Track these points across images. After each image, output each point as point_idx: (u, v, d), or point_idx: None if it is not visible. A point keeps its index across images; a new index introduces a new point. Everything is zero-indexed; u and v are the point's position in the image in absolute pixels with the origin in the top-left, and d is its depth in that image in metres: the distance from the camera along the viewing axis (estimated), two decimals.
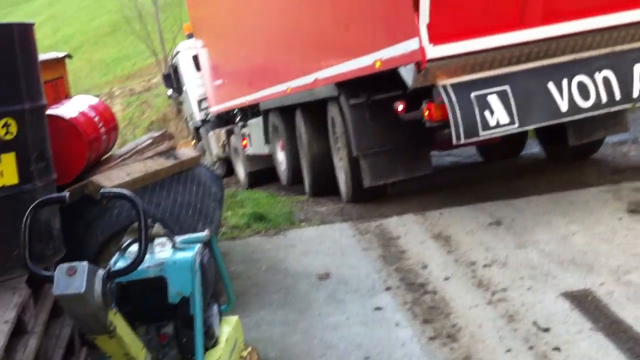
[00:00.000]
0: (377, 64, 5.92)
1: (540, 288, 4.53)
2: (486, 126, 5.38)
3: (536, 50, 5.55)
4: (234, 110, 12.63)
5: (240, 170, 13.02)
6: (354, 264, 5.49)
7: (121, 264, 2.96)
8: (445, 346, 3.96)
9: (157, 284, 3.09)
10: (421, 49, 5.21)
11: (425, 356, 3.87)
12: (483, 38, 5.42)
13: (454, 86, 5.39)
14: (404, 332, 4.18)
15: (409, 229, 6.13)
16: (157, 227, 3.46)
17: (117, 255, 3.17)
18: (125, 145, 6.31)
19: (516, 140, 8.67)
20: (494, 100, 5.41)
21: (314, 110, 8.25)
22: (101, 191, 2.77)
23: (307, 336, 4.32)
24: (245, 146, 12.18)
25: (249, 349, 3.88)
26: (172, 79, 15.94)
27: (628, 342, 3.68)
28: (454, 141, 5.38)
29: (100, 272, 2.48)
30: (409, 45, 5.36)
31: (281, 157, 10.24)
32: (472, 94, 5.38)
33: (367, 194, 7.39)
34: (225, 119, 13.49)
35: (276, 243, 6.35)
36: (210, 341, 3.26)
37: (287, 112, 9.31)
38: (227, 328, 3.57)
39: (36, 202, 2.75)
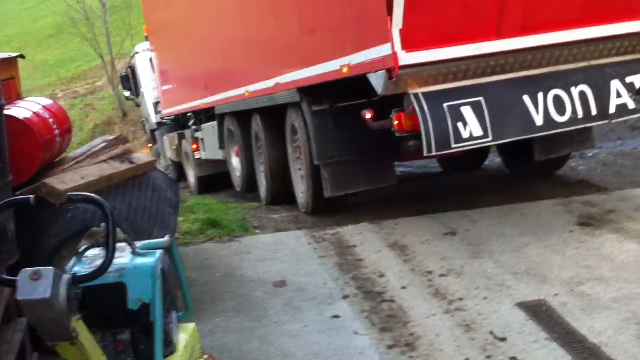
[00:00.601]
0: (345, 70, 5.69)
1: (496, 298, 4.59)
2: (459, 138, 5.15)
3: (512, 61, 5.38)
4: (188, 113, 12.45)
5: (191, 175, 12.87)
6: (310, 271, 5.48)
7: (79, 269, 2.88)
8: (404, 355, 3.97)
9: (116, 290, 3.01)
10: (393, 55, 4.96)
11: None
12: (458, 47, 5.20)
13: (426, 95, 5.15)
14: (363, 341, 4.18)
15: (365, 238, 6.15)
16: (117, 232, 3.39)
17: (74, 260, 3.08)
18: (79, 148, 6.16)
19: (479, 153, 8.58)
20: (467, 112, 5.19)
21: (273, 116, 8.03)
22: (68, 194, 2.70)
23: (264, 344, 4.28)
24: (195, 150, 12.02)
25: (206, 356, 3.83)
26: (130, 80, 15.73)
27: (583, 353, 3.75)
28: (425, 153, 5.16)
29: (66, 278, 2.41)
30: (381, 51, 5.12)
31: (236, 163, 10.04)
32: (445, 105, 5.15)
33: (328, 205, 7.15)
34: (182, 123, 13.35)
35: (231, 250, 6.28)
36: (168, 349, 3.20)
37: (244, 117, 9.10)
38: (185, 335, 3.52)
39: (2, 203, 2.66)
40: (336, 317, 4.56)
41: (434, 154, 5.20)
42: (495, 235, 5.82)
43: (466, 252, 5.51)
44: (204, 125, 11.55)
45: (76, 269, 2.91)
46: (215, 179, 12.05)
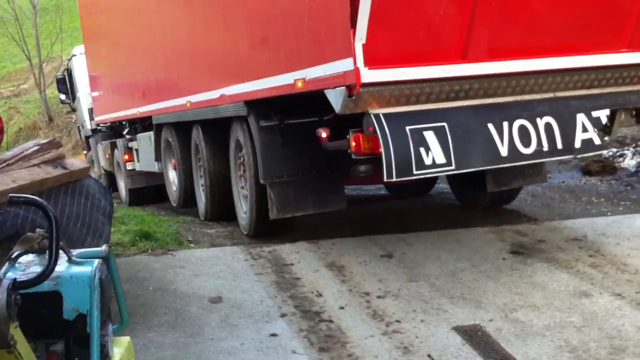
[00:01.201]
0: (299, 84, 5.26)
1: (433, 321, 4.63)
2: (421, 165, 4.79)
3: (477, 87, 5.08)
4: (122, 121, 12.01)
5: (122, 187, 12.48)
6: (247, 288, 5.39)
7: (12, 275, 2.74)
8: None
9: (51, 299, 2.88)
10: (355, 71, 4.55)
11: None
12: (423, 67, 4.85)
13: (388, 117, 4.76)
14: None
15: (302, 256, 6.11)
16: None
17: (7, 265, 2.93)
18: (9, 150, 5.90)
19: (428, 180, 8.35)
20: (430, 137, 4.83)
21: (216, 129, 7.70)
22: (10, 195, 2.56)
23: None
24: (127, 161, 11.66)
25: None
26: (66, 83, 15.11)
27: None
28: (384, 178, 4.72)
29: (5, 283, 2.28)
30: (341, 66, 4.71)
31: (173, 176, 9.66)
32: (408, 128, 4.77)
33: (272, 227, 6.79)
34: (118, 131, 12.84)
35: (164, 263, 6.12)
36: None
37: (183, 128, 8.73)
38: (119, 349, 3.40)
39: None
40: (274, 335, 4.49)
41: (393, 179, 4.76)
42: (431, 259, 5.89)
43: (403, 275, 5.54)
44: (139, 135, 11.08)
45: (9, 275, 2.77)
46: (147, 192, 11.69)
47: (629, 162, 9.69)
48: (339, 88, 4.72)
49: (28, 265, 2.95)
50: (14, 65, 30.11)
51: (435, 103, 4.97)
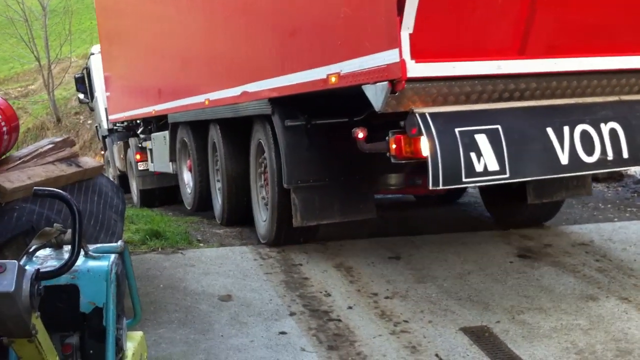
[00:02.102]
0: (333, 79, 4.73)
1: (440, 322, 4.67)
2: (471, 172, 4.22)
3: (534, 86, 4.53)
4: (137, 121, 11.69)
5: (133, 187, 12.20)
6: (256, 287, 5.44)
7: (29, 268, 2.81)
8: None
9: (68, 292, 2.95)
10: (401, 64, 4.00)
11: None
12: (475, 62, 4.31)
13: (435, 117, 4.22)
14: (310, 358, 4.18)
15: (311, 257, 6.16)
16: (69, 234, 3.31)
17: (24, 259, 3.00)
18: (24, 147, 5.98)
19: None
20: (482, 141, 4.27)
21: (236, 128, 7.28)
22: (34, 188, 2.62)
23: (210, 356, 4.22)
24: (139, 161, 11.42)
25: None
26: (85, 82, 14.73)
27: None
28: (430, 186, 4.17)
29: (29, 273, 2.34)
30: (384, 58, 4.16)
31: (187, 178, 9.27)
32: (457, 130, 4.23)
33: (294, 235, 6.33)
34: (135, 130, 12.41)
35: (174, 261, 6.18)
36: (118, 355, 3.13)
37: (200, 128, 8.34)
38: (132, 343, 3.46)
39: None
40: (283, 333, 4.55)
41: (439, 188, 4.20)
42: (438, 262, 5.94)
43: (410, 276, 5.59)
44: (153, 135, 10.71)
45: (27, 268, 2.84)
46: (158, 194, 11.45)
47: (636, 170, 9.72)
48: (381, 83, 4.20)
49: (45, 259, 3.01)
50: (22, 66, 30.28)
51: (487, 103, 4.46)
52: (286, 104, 5.81)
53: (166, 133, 9.73)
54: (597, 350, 4.17)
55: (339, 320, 4.73)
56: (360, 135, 4.94)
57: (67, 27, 26.13)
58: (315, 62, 5.01)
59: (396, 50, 4.04)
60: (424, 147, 4.15)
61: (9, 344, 2.43)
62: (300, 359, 4.16)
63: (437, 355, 4.17)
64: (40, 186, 5.25)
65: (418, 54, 4.07)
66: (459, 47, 4.28)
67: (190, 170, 9.06)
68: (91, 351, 2.97)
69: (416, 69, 4.08)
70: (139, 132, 11.64)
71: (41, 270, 2.45)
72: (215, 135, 7.78)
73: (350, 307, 4.96)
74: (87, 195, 5.35)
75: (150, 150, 10.95)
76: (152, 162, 10.95)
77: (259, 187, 6.91)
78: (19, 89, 29.88)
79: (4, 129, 5.05)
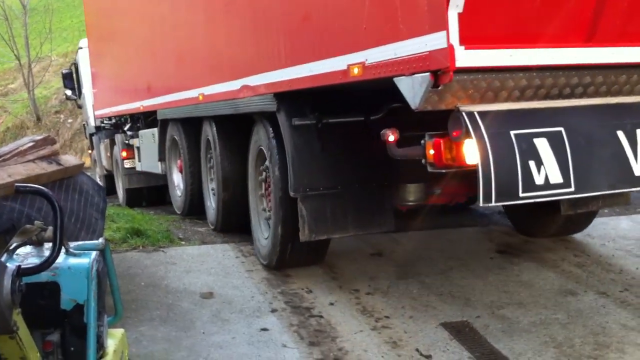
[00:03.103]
0: (355, 71, 3.94)
1: (421, 317, 4.71)
2: (530, 185, 3.48)
3: (600, 80, 3.75)
4: (124, 117, 11.15)
5: (119, 186, 11.75)
6: (238, 284, 5.45)
7: (10, 265, 2.81)
8: None
9: (49, 289, 2.94)
10: (448, 51, 3.21)
11: None
12: (533, 49, 3.49)
13: (485, 116, 3.45)
14: (291, 354, 4.20)
15: None
16: (50, 232, 3.31)
17: (5, 256, 2.99)
18: (4, 146, 5.94)
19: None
20: (543, 147, 3.52)
21: (234, 126, 6.63)
22: (16, 185, 2.62)
23: (192, 353, 4.23)
24: (125, 158, 10.92)
25: None
26: (73, 78, 14.09)
27: None
28: (481, 202, 3.41)
29: (10, 269, 2.34)
30: (425, 44, 3.34)
31: (178, 179, 8.70)
32: (513, 133, 3.46)
33: (301, 255, 5.54)
34: (122, 127, 11.76)
35: (155, 259, 6.17)
36: (99, 352, 3.14)
37: (192, 124, 7.76)
38: (113, 340, 3.46)
39: None
40: (265, 329, 4.56)
41: (492, 204, 3.46)
42: (420, 258, 5.98)
43: (392, 273, 5.62)
44: (141, 132, 10.10)
45: (8, 265, 2.83)
46: (147, 193, 11.01)
47: None
48: (420, 75, 3.39)
49: (26, 256, 3.01)
50: (2, 65, 30.03)
51: (544, 100, 3.68)
52: (294, 99, 5.05)
53: (155, 130, 9.17)
54: (576, 343, 4.22)
55: (321, 317, 4.75)
56: (391, 138, 4.10)
57: (47, 25, 25.96)
58: (332, 50, 4.20)
59: (442, 34, 3.24)
60: (472, 153, 3.42)
61: None
62: (282, 355, 4.17)
63: (417, 350, 4.20)
64: (27, 184, 5.24)
65: (468, 39, 3.26)
66: (517, 31, 3.46)
67: (180, 170, 8.51)
68: (72, 348, 2.97)
69: (466, 57, 3.27)
70: (126, 128, 11.09)
71: (22, 266, 2.45)
72: (210, 133, 7.18)
73: (331, 304, 4.99)
74: (68, 193, 5.32)
75: (138, 148, 10.39)
76: (139, 160, 10.43)
77: (259, 197, 6.09)
78: None
79: None
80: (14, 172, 4.97)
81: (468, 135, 3.41)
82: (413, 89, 3.47)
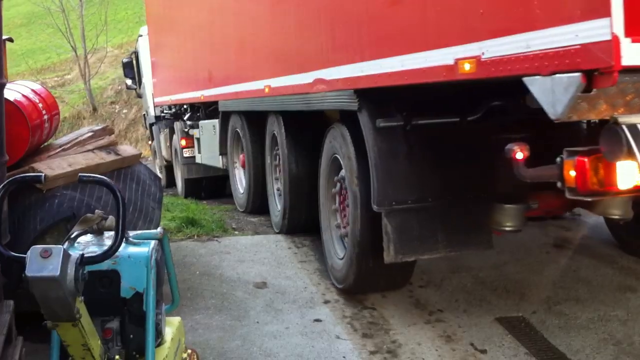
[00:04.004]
0: (467, 67, 3.17)
1: (476, 312, 4.66)
2: None
3: None
4: (184, 106, 10.72)
5: (178, 176, 11.38)
6: (290, 275, 5.49)
7: (74, 254, 2.87)
8: None
9: (109, 277, 3.00)
10: (613, 44, 2.44)
11: None
12: None
13: None
14: (345, 345, 4.21)
15: None
16: (110, 220, 3.38)
17: (66, 244, 3.06)
18: (65, 135, 6.09)
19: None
20: None
21: (305, 124, 6.12)
22: (80, 174, 2.68)
23: (246, 343, 4.28)
24: (184, 147, 10.55)
25: (189, 351, 3.83)
26: (133, 67, 13.67)
27: None
28: None
29: (74, 257, 2.39)
30: (576, 34, 2.57)
31: (240, 175, 8.26)
32: None
33: (382, 276, 4.79)
34: (182, 117, 11.24)
35: (210, 249, 6.26)
36: (157, 339, 3.19)
37: (257, 118, 7.23)
38: (171, 328, 3.52)
39: (11, 179, 2.64)
40: (318, 320, 4.58)
41: None
42: (474, 253, 5.89)
43: (445, 267, 5.56)
44: (202, 122, 9.62)
45: (72, 253, 2.90)
46: (206, 184, 10.63)
47: None
48: (566, 75, 2.63)
49: (87, 245, 3.08)
50: (59, 56, 30.74)
51: None
52: (378, 97, 4.38)
53: (216, 122, 8.69)
54: (635, 341, 4.12)
55: (374, 309, 4.75)
56: (519, 155, 3.34)
57: (103, 17, 26.43)
58: (433, 40, 3.44)
59: (603, 23, 2.48)
60: (629, 176, 2.87)
61: (53, 327, 2.49)
62: (336, 347, 4.19)
63: (472, 344, 4.17)
64: (89, 174, 5.38)
65: (635, 29, 2.48)
66: None
67: (243, 166, 8.00)
68: (131, 336, 3.03)
69: (634, 53, 2.49)
70: (185, 118, 10.66)
71: (85, 255, 2.50)
72: (276, 129, 6.64)
73: (384, 296, 4.97)
74: (125, 183, 5.44)
75: (198, 139, 9.95)
76: (199, 152, 10.02)
77: (332, 212, 5.40)
78: (56, 78, 30.37)
79: (45, 117, 5.16)
80: (74, 161, 5.10)
81: (630, 154, 2.74)
82: (553, 94, 2.72)
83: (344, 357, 4.06)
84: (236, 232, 6.96)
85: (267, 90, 6.25)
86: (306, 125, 6.18)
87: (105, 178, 2.75)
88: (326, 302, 4.91)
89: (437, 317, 4.59)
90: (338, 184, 5.23)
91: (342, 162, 4.99)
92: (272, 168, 7.10)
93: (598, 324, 4.38)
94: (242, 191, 8.17)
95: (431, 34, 3.48)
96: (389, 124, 4.29)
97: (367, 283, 4.89)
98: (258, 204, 7.67)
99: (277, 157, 6.80)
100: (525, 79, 2.84)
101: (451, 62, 3.27)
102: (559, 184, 3.20)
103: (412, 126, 4.22)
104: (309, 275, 5.47)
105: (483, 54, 3.06)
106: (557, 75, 2.68)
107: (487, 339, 4.23)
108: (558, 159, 3.17)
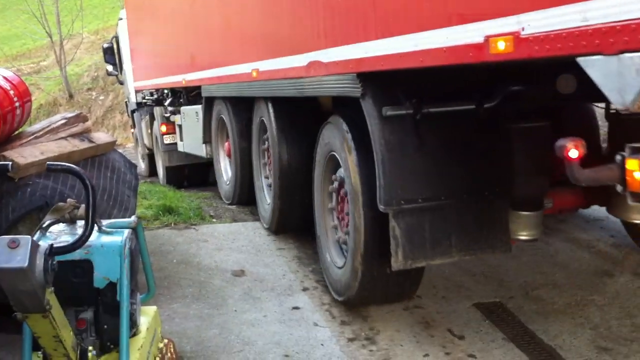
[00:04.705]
0: (501, 46, 2.60)
1: (454, 297, 4.66)
2: None
3: None
4: (164, 90, 10.21)
5: (159, 164, 11.02)
6: (269, 262, 5.45)
7: (43, 244, 2.81)
8: (365, 348, 4.00)
9: (82, 267, 2.95)
10: None
11: (345, 356, 3.89)
12: None
13: None
14: (323, 332, 4.19)
15: None
16: (83, 209, 3.32)
17: (38, 234, 3.01)
18: (37, 123, 5.98)
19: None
20: None
21: (298, 111, 5.66)
22: (47, 163, 2.62)
23: (223, 331, 4.24)
24: (164, 133, 10.09)
25: (166, 341, 3.79)
26: (114, 52, 13.13)
27: (539, 354, 3.85)
28: None
29: (43, 248, 2.33)
30: None
31: (225, 165, 7.84)
32: None
33: (388, 285, 4.27)
34: (163, 102, 10.69)
35: (187, 237, 6.19)
36: (132, 330, 3.15)
37: (244, 104, 6.76)
38: (146, 318, 3.47)
39: None
40: (296, 308, 4.56)
41: None
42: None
43: None
44: (184, 108, 9.11)
45: (42, 243, 2.84)
46: (189, 173, 10.25)
47: None
48: (638, 55, 2.10)
49: (59, 234, 3.02)
50: (34, 42, 30.32)
51: None
52: (384, 82, 3.83)
53: (199, 108, 8.19)
54: (612, 325, 4.14)
55: None
56: (574, 153, 2.83)
57: (78, 2, 26.07)
58: (456, 14, 2.88)
59: None
60: None
61: (23, 319, 2.44)
62: (314, 334, 4.17)
63: (449, 330, 4.17)
64: (53, 161, 5.27)
65: None
66: None
67: (229, 155, 7.55)
68: (105, 326, 2.99)
69: None
70: (166, 103, 10.14)
71: (55, 245, 2.45)
72: (265, 116, 6.05)
73: None
74: (100, 171, 5.35)
75: (180, 126, 9.47)
76: (181, 140, 9.58)
77: (328, 212, 4.90)
78: (31, 65, 29.95)
79: (17, 104, 5.05)
80: (46, 149, 5.00)
81: None
82: (620, 77, 2.17)
83: (322, 344, 4.04)
84: (214, 220, 6.90)
85: (254, 74, 5.70)
86: (299, 113, 5.70)
87: (74, 166, 2.69)
88: (305, 289, 4.88)
89: (415, 303, 4.58)
90: (335, 182, 4.74)
91: (340, 161, 4.45)
92: (260, 159, 6.63)
93: (575, 309, 4.40)
94: (227, 182, 7.78)
95: (454, 7, 2.90)
96: (397, 112, 3.74)
97: (372, 294, 4.32)
98: (245, 196, 7.26)
99: (267, 147, 6.28)
100: (581, 60, 2.29)
101: (481, 40, 2.72)
102: (618, 188, 2.73)
103: (422, 115, 3.69)
104: (287, 262, 5.44)
105: (523, 29, 2.51)
106: (627, 54, 2.13)
107: (466, 325, 4.23)
108: (618, 157, 2.68)
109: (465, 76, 3.58)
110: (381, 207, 3.77)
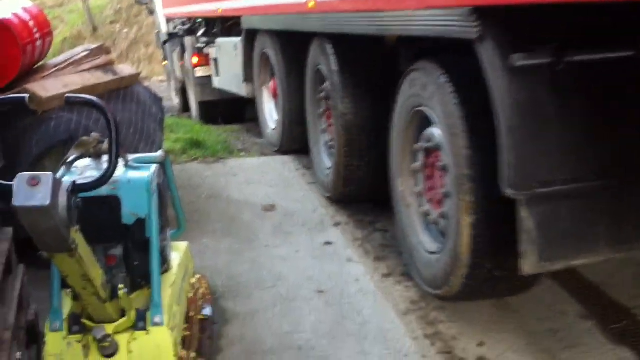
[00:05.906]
0: None
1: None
2: None
3: None
4: (196, 20, 9.22)
5: (191, 99, 10.26)
6: (299, 197, 5.33)
7: (69, 179, 2.69)
8: (400, 284, 3.88)
9: (109, 203, 2.85)
10: None
11: (379, 292, 3.79)
12: None
13: None
14: (357, 268, 4.09)
15: None
16: (107, 144, 3.20)
17: (63, 169, 2.91)
18: (59, 55, 5.83)
19: None
20: None
21: (368, 57, 4.56)
22: (66, 95, 2.47)
23: (255, 266, 4.16)
24: (196, 65, 9.09)
25: (198, 276, 3.74)
26: None
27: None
28: None
29: (66, 185, 2.20)
30: None
31: (270, 108, 6.74)
32: None
33: (496, 284, 3.29)
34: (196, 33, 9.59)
35: (216, 171, 6.09)
36: (163, 266, 3.07)
37: (295, 40, 5.52)
38: (178, 254, 3.40)
39: None
40: (328, 243, 4.45)
41: None
42: None
43: None
44: (219, 40, 7.94)
45: (66, 179, 2.72)
46: (223, 109, 9.26)
47: None
48: None
49: (84, 169, 2.91)
50: None
51: None
52: (512, 19, 2.73)
53: (238, 41, 7.00)
54: None
55: (386, 231, 4.60)
56: None
57: None
58: None
59: None
60: None
61: (48, 259, 2.34)
62: (347, 270, 4.06)
63: None
64: (78, 94, 5.14)
65: None
66: None
67: (274, 96, 6.54)
68: (136, 262, 2.92)
69: None
70: (198, 34, 9.06)
71: (78, 182, 2.32)
72: (323, 62, 4.91)
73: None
74: (125, 104, 5.22)
75: (215, 60, 8.28)
76: (216, 75, 8.42)
77: (416, 195, 3.81)
78: None
79: (37, 35, 4.90)
80: (70, 82, 4.86)
81: None
82: None
83: (356, 280, 3.94)
84: (242, 154, 6.77)
85: (311, 4, 4.49)
86: (370, 59, 4.56)
87: (94, 98, 2.54)
88: (336, 224, 4.77)
89: None
90: (422, 141, 3.61)
91: (435, 121, 3.39)
92: (315, 109, 5.40)
93: None
94: (273, 127, 6.65)
95: None
96: (532, 61, 2.70)
97: (479, 291, 3.40)
98: (295, 141, 6.17)
99: (324, 96, 5.15)
100: None
101: None
102: None
103: (565, 65, 2.68)
104: (318, 197, 5.30)
105: None
106: None
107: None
108: None
109: (625, 11, 2.43)
110: (508, 192, 2.77)
